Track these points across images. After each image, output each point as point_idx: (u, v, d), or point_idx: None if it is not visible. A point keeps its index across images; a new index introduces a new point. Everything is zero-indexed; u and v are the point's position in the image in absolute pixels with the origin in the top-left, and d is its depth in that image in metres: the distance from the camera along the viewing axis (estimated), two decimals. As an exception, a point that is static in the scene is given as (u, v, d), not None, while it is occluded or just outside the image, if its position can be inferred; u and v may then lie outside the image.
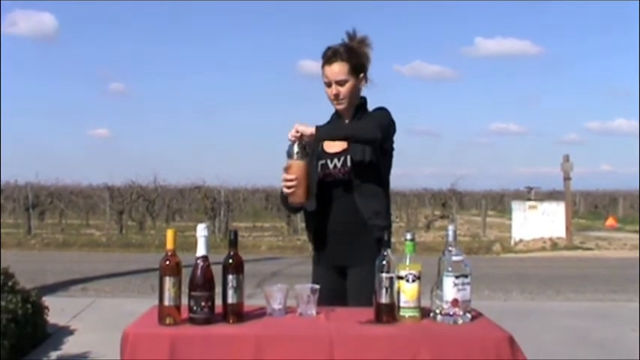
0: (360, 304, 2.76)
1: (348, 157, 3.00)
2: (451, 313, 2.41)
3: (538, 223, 18.77)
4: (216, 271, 2.37)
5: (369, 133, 2.90)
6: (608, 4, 56.44)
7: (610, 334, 6.62)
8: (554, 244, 17.90)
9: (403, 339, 2.27)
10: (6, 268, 5.63)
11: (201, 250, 2.38)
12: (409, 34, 65.24)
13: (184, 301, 2.36)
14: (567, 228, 18.46)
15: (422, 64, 73.65)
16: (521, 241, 18.66)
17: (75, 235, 20.07)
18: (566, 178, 18.83)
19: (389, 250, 2.45)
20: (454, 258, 2.44)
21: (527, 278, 11.43)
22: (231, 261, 2.41)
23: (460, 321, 2.42)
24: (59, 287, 9.60)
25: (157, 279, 2.36)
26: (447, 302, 2.41)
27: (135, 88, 65.31)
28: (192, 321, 2.34)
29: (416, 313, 2.43)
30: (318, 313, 2.54)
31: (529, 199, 20.53)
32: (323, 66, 3.07)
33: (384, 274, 2.41)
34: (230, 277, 2.40)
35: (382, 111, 3.07)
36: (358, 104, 3.11)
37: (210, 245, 2.41)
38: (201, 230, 2.39)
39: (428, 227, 23.74)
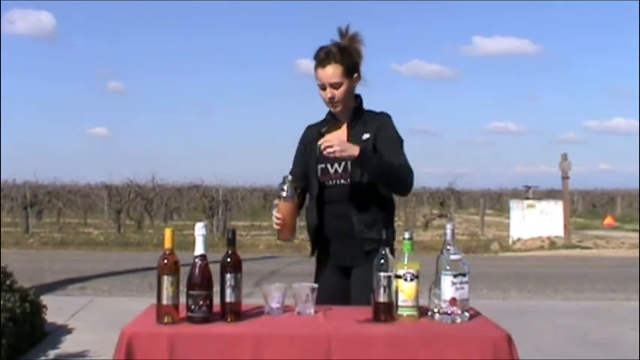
0: (362, 304, 2.75)
1: (349, 163, 2.95)
2: (449, 312, 2.41)
3: (536, 222, 18.78)
4: (215, 269, 2.36)
5: (404, 187, 2.93)
6: (608, 4, 56.54)
7: (608, 333, 6.63)
8: (553, 243, 17.92)
9: (401, 338, 2.27)
10: (4, 267, 5.63)
11: (199, 249, 2.37)
12: (408, 34, 65.34)
13: (182, 300, 2.36)
14: (565, 227, 18.47)
15: (420, 64, 73.79)
16: (519, 240, 18.67)
17: (73, 234, 20.04)
18: (565, 177, 18.83)
19: (387, 249, 2.45)
20: (452, 257, 2.44)
21: (525, 277, 11.43)
22: (229, 260, 2.41)
23: (458, 320, 2.42)
24: (57, 286, 9.59)
25: (155, 278, 2.36)
26: (445, 301, 2.41)
27: (133, 87, 65.51)
28: (190, 320, 2.34)
29: (414, 312, 2.43)
30: (316, 312, 2.54)
31: (527, 198, 20.53)
32: (316, 68, 3.01)
33: (382, 273, 2.41)
34: (228, 275, 2.40)
35: (398, 139, 3.01)
36: (355, 107, 3.06)
37: (208, 244, 2.40)
38: (200, 229, 2.39)
39: (426, 226, 23.77)
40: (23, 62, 55.50)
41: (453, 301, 2.41)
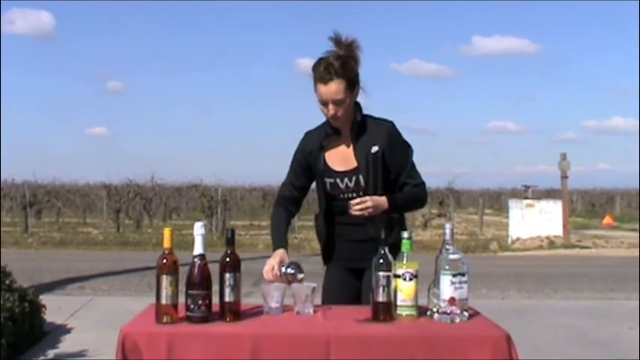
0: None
1: (361, 177, 2.92)
2: (448, 311, 2.41)
3: (535, 221, 18.77)
4: (214, 269, 2.36)
5: (422, 205, 3.12)
6: (607, 3, 56.51)
7: (608, 333, 6.63)
8: (552, 243, 17.92)
9: (400, 338, 2.27)
10: (3, 266, 5.63)
11: (198, 249, 2.37)
12: (407, 33, 65.32)
13: (182, 299, 2.36)
14: (564, 226, 18.47)
15: (419, 63, 73.85)
16: (518, 239, 18.67)
17: (72, 234, 20.03)
18: (564, 177, 18.83)
19: (386, 249, 2.45)
20: (451, 256, 2.44)
21: (524, 277, 11.44)
22: (228, 259, 2.41)
23: (457, 320, 2.42)
24: (56, 286, 9.59)
25: (154, 277, 2.36)
26: (444, 301, 2.41)
27: (133, 87, 65.43)
28: (189, 319, 2.34)
29: (413, 312, 2.43)
30: (315, 311, 2.54)
31: (526, 198, 20.52)
32: (316, 83, 2.87)
33: (381, 273, 2.41)
34: (227, 275, 2.40)
35: (409, 151, 3.00)
36: (359, 121, 2.95)
37: (207, 244, 2.40)
38: (199, 229, 2.39)
39: (425, 226, 23.74)
40: (23, 62, 55.50)
41: (452, 301, 2.41)
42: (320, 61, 2.89)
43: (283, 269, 2.77)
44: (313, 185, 3.17)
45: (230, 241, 2.43)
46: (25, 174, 25.83)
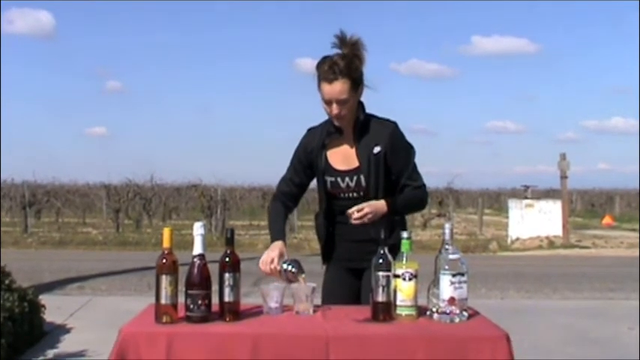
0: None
1: (362, 177, 2.92)
2: (448, 311, 2.42)
3: (535, 221, 18.77)
4: (213, 269, 2.36)
5: (423, 207, 3.20)
6: (607, 3, 56.46)
7: (607, 333, 6.63)
8: (551, 243, 17.92)
9: (400, 338, 2.27)
10: (3, 266, 5.62)
11: (197, 249, 2.37)
12: (406, 33, 65.23)
13: (181, 299, 2.36)
14: (564, 226, 18.47)
15: (419, 63, 73.77)
16: (517, 239, 18.67)
17: (71, 234, 20.02)
18: (563, 177, 18.83)
19: (386, 249, 2.45)
20: (451, 256, 2.44)
21: (523, 277, 11.44)
22: (227, 259, 2.41)
23: (457, 319, 2.42)
24: (56, 286, 9.59)
25: (154, 277, 2.36)
26: (443, 301, 2.41)
27: (132, 86, 65.33)
28: (188, 319, 2.34)
29: (413, 312, 2.43)
30: (314, 311, 2.54)
31: (526, 198, 20.52)
32: (320, 81, 2.85)
33: (380, 273, 2.41)
34: (227, 275, 2.40)
35: (411, 153, 2.99)
36: (362, 120, 2.94)
37: (206, 243, 2.40)
38: (198, 228, 2.39)
39: (424, 226, 23.74)
40: (22, 62, 55.44)
41: (451, 301, 2.41)
42: (324, 59, 2.87)
43: (285, 266, 2.75)
44: (313, 185, 3.16)
45: (229, 241, 2.43)
46: (24, 174, 25.90)
